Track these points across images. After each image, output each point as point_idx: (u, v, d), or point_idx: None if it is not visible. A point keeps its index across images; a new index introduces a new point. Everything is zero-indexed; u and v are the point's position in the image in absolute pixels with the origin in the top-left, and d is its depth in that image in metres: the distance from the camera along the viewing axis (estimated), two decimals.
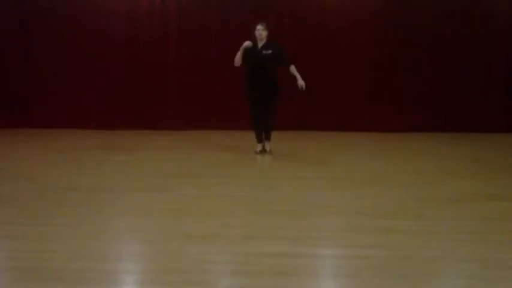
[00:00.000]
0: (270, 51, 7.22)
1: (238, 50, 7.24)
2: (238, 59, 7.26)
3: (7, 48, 9.80)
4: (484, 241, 4.21)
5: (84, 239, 4.22)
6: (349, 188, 5.86)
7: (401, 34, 9.58)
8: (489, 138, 9.16)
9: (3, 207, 5.05)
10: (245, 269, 3.66)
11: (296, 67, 7.20)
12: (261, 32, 7.23)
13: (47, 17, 9.71)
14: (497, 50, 9.60)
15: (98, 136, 9.14)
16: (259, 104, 7.36)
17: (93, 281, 3.45)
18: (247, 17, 9.55)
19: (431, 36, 9.57)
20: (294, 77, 7.16)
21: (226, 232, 4.37)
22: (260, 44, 7.28)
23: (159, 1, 9.71)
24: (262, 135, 7.60)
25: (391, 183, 6.07)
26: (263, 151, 7.58)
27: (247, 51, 7.21)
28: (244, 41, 7.23)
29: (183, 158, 7.54)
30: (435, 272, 3.62)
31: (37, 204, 5.16)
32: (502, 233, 4.42)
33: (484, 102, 9.66)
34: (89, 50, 9.74)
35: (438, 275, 3.61)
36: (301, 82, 7.14)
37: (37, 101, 9.85)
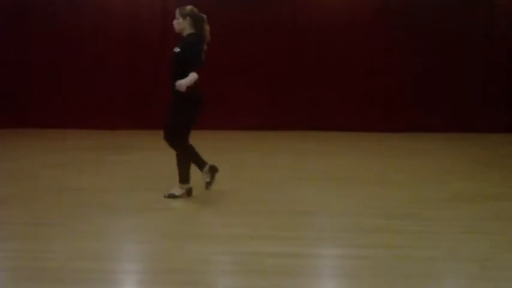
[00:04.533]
0: (178, 50, 5.07)
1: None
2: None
3: (7, 48, 9.80)
4: (484, 241, 4.20)
5: (84, 239, 4.21)
6: (349, 188, 5.85)
7: (401, 34, 9.59)
8: (489, 138, 9.15)
9: (3, 207, 5.04)
10: (245, 269, 3.66)
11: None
12: (174, 23, 5.14)
13: (47, 17, 9.71)
14: (497, 50, 9.60)
15: (98, 136, 9.14)
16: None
17: (93, 281, 3.45)
18: (247, 17, 9.58)
19: (431, 36, 9.57)
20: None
21: (226, 232, 4.37)
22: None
23: (159, 1, 9.72)
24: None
25: (391, 183, 6.06)
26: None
27: None
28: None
29: None
30: (435, 272, 3.62)
31: (37, 204, 5.16)
32: (502, 233, 4.42)
33: (484, 102, 9.66)
34: (89, 50, 9.75)
35: (438, 275, 3.60)
36: (180, 81, 4.85)
37: (37, 101, 9.85)
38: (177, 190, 5.33)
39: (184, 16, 5.06)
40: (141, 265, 3.82)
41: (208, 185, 5.32)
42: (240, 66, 9.65)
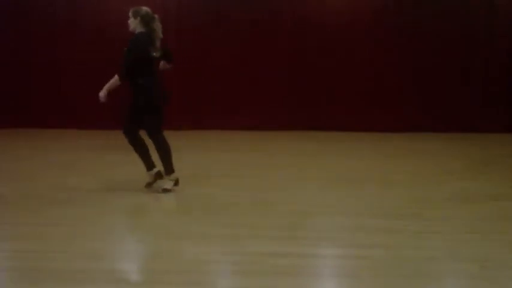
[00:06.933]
0: (125, 48, 5.36)
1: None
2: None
3: (7, 48, 9.80)
4: (484, 241, 4.20)
5: (84, 239, 4.22)
6: (349, 188, 5.85)
7: (401, 34, 9.59)
8: (489, 138, 9.15)
9: (3, 207, 5.05)
10: (245, 269, 3.66)
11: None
12: (129, 22, 5.38)
13: (47, 17, 9.71)
14: (497, 50, 9.60)
15: (98, 136, 9.13)
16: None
17: (93, 281, 3.45)
18: (247, 17, 9.58)
19: (431, 36, 9.57)
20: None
21: (227, 232, 4.37)
22: None
23: (159, 1, 9.71)
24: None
25: (391, 183, 6.06)
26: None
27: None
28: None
29: (182, 157, 7.51)
30: (435, 272, 3.62)
31: (37, 204, 5.16)
32: (502, 233, 4.42)
33: (484, 102, 9.66)
34: (89, 49, 9.74)
35: (438, 275, 3.61)
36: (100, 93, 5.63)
37: (37, 101, 9.85)
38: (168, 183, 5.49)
39: (135, 16, 5.30)
40: (141, 265, 3.82)
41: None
42: (240, 66, 9.65)
